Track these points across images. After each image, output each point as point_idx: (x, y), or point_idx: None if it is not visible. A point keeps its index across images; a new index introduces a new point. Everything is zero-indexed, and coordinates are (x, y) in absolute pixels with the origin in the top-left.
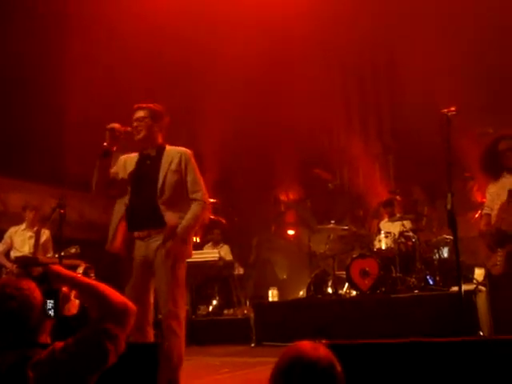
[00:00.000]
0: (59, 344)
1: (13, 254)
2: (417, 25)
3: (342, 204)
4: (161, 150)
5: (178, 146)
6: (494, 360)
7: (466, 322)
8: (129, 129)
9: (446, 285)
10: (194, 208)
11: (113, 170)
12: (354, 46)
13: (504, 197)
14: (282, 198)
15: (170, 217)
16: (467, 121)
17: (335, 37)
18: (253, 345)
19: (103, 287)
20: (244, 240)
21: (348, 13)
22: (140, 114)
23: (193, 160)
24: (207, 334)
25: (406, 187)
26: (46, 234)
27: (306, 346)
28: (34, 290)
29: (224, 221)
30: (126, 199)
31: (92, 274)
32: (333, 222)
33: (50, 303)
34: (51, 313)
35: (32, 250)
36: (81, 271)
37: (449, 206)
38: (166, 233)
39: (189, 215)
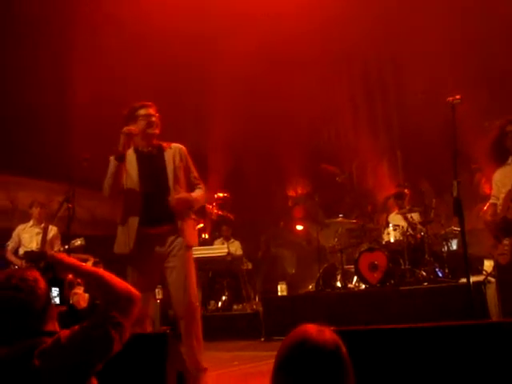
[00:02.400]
0: (65, 332)
1: (21, 250)
2: (422, 17)
3: (350, 198)
4: (160, 149)
5: (184, 143)
6: (497, 343)
7: (475, 312)
8: (137, 130)
9: (455, 277)
10: (200, 190)
11: None
12: (360, 41)
13: (509, 186)
14: (291, 193)
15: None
16: (474, 113)
17: (341, 31)
18: (262, 339)
19: (108, 275)
20: (253, 235)
21: (353, 7)
22: (153, 110)
23: (188, 155)
24: (217, 329)
25: (414, 181)
26: (53, 231)
27: (312, 329)
28: (38, 279)
29: (232, 217)
30: (137, 199)
31: (101, 269)
32: (341, 215)
33: (55, 291)
34: (57, 300)
35: (39, 246)
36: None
37: (455, 194)
38: (173, 200)
39: (197, 192)
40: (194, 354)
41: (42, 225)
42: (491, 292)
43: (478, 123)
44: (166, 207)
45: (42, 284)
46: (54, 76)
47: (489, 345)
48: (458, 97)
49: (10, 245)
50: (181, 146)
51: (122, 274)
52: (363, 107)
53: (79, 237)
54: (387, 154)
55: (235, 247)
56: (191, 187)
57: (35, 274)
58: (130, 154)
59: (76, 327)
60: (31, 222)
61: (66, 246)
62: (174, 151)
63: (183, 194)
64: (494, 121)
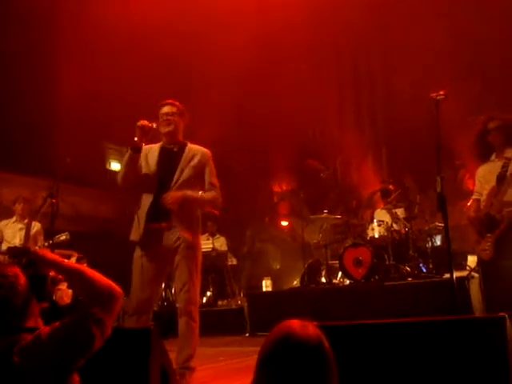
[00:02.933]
0: (45, 328)
1: (4, 246)
2: (409, 15)
3: (335, 194)
4: (183, 147)
5: None
6: (480, 338)
7: (459, 308)
8: (155, 125)
9: (438, 272)
10: (210, 192)
11: None
12: (347, 38)
13: (493, 182)
14: (276, 189)
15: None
16: (459, 108)
17: (329, 28)
18: (247, 335)
19: (90, 272)
20: (238, 231)
21: (342, 5)
22: (171, 109)
23: (212, 162)
24: (202, 325)
25: (398, 177)
26: (37, 226)
27: (295, 324)
28: (19, 275)
29: (217, 212)
30: (151, 193)
31: (85, 265)
32: (326, 211)
33: (36, 288)
34: (39, 297)
35: (22, 242)
36: (73, 262)
37: (438, 189)
38: (167, 196)
39: (205, 193)
40: (185, 352)
41: (26, 221)
42: (474, 287)
43: (463, 119)
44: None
45: (23, 280)
46: (39, 73)
47: (472, 340)
48: (441, 93)
49: None
50: (207, 151)
51: (108, 271)
52: (349, 104)
53: (62, 232)
54: (372, 150)
55: (220, 243)
56: (204, 191)
57: (16, 270)
58: (155, 149)
59: (56, 323)
60: (14, 218)
61: (51, 241)
62: (195, 152)
63: (179, 192)
64: (478, 116)
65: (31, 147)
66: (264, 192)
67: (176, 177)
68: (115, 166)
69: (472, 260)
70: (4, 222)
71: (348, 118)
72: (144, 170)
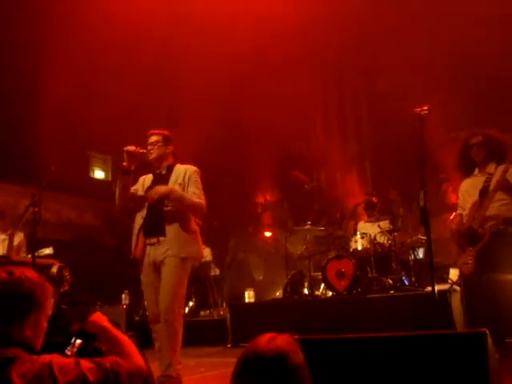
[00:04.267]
0: (58, 359)
1: None
2: (396, 29)
3: (319, 205)
4: (171, 168)
5: None
6: (462, 354)
7: (440, 321)
8: (144, 150)
9: (421, 285)
10: (193, 196)
11: (134, 187)
12: (334, 50)
13: (476, 196)
14: (259, 199)
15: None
16: (442, 123)
17: (315, 40)
18: (229, 345)
19: (128, 347)
20: (221, 241)
21: (329, 17)
22: (154, 138)
23: (196, 175)
24: (183, 335)
25: (382, 189)
26: (19, 237)
27: (263, 338)
28: (31, 276)
29: (199, 222)
30: (143, 212)
31: (66, 273)
32: (309, 223)
33: (77, 341)
34: (69, 349)
35: (5, 253)
36: (55, 270)
37: (421, 203)
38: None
39: (187, 196)
40: (165, 361)
41: (9, 232)
42: (456, 300)
43: (447, 133)
44: (159, 220)
45: (33, 279)
46: (23, 79)
47: (453, 355)
48: (425, 108)
49: None
50: (191, 166)
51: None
52: (334, 116)
53: (46, 240)
54: (356, 163)
55: (206, 253)
56: None
57: (27, 272)
58: (150, 177)
59: (72, 362)
60: None
61: (36, 254)
62: (181, 171)
63: (164, 186)
64: (461, 131)
65: (15, 155)
66: (248, 202)
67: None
68: (99, 174)
69: (454, 273)
70: None
71: (333, 130)
72: (140, 194)
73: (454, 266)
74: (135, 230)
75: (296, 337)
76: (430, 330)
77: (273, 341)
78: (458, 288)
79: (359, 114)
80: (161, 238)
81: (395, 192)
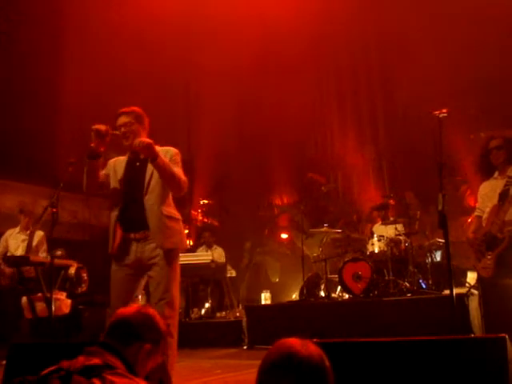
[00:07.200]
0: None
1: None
2: (410, 30)
3: (336, 208)
4: None
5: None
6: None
7: (458, 324)
8: (117, 132)
9: (438, 288)
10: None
11: (103, 172)
12: (349, 51)
13: (495, 200)
14: (276, 201)
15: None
16: (461, 126)
17: (330, 42)
18: (245, 347)
19: None
20: (237, 243)
21: (342, 18)
22: (125, 119)
23: (177, 157)
24: (200, 337)
25: (400, 192)
26: (39, 236)
27: (296, 342)
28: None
29: (216, 223)
30: (119, 202)
31: (84, 274)
32: (326, 225)
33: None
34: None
35: (24, 253)
36: (73, 271)
37: (440, 207)
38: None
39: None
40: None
41: (28, 231)
42: (474, 304)
43: (465, 135)
44: (140, 211)
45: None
46: (41, 80)
47: (472, 360)
48: (444, 111)
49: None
50: (172, 148)
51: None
52: (350, 118)
53: (62, 241)
54: (373, 165)
55: (218, 254)
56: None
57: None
58: (122, 160)
59: None
60: (18, 229)
61: (49, 257)
62: (162, 154)
63: (147, 139)
64: (479, 133)
65: (32, 155)
66: (265, 204)
67: (146, 181)
68: None
69: (472, 277)
70: (9, 232)
71: (350, 132)
72: (113, 182)
73: (472, 269)
74: (112, 221)
75: (314, 340)
76: (447, 334)
77: (308, 346)
78: (475, 292)
79: (376, 116)
80: (147, 233)
81: (412, 194)
